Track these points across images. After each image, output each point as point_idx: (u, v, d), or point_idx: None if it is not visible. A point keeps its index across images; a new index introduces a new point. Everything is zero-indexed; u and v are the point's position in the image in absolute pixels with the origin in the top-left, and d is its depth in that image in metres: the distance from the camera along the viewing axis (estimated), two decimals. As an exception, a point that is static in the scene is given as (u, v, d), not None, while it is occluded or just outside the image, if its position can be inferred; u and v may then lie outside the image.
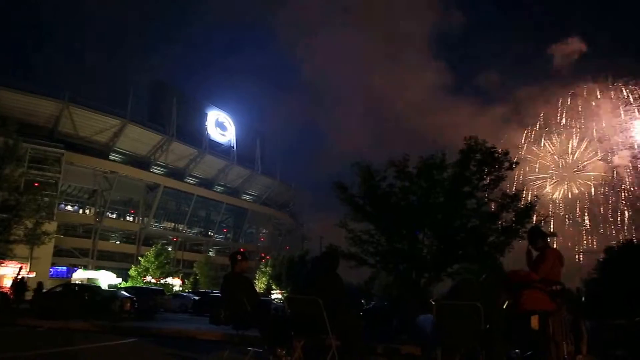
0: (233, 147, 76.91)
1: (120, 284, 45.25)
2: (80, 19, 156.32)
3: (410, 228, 17.01)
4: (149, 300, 22.01)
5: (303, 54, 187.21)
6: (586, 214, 74.94)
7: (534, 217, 17.81)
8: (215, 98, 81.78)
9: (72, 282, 37.42)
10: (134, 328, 12.03)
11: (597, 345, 7.92)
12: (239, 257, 6.20)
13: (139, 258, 51.18)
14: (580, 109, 74.82)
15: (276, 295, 51.31)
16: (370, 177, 17.32)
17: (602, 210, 72.77)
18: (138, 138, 62.09)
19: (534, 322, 4.98)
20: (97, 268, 51.51)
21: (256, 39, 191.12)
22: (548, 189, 76.38)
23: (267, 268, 57.56)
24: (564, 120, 77.27)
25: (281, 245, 78.33)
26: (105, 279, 44.97)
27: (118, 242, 63.31)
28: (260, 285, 54.96)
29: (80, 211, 60.24)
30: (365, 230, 17.78)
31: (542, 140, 77.64)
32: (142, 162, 63.46)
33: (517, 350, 5.86)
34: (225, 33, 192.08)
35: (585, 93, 75.11)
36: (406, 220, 16.74)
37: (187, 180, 70.34)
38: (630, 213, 70.00)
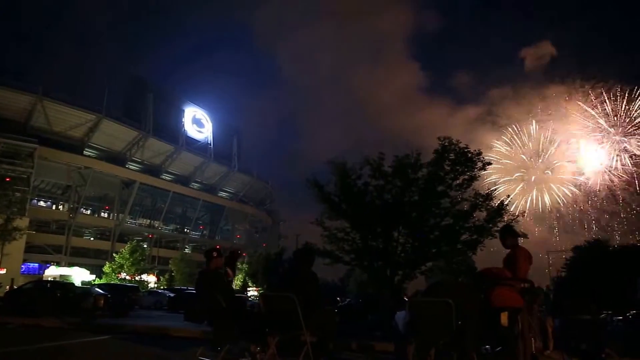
0: (210, 144, 76.39)
1: (94, 280, 44.54)
2: (56, 12, 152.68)
3: (385, 226, 17.24)
4: (123, 297, 21.76)
5: (281, 53, 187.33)
6: (556, 214, 76.68)
7: (505, 217, 18.22)
8: (193, 95, 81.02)
9: (45, 278, 36.64)
10: (108, 325, 11.94)
11: (563, 340, 8.25)
12: (215, 253, 6.24)
13: (114, 255, 50.50)
14: (550, 112, 76.51)
15: (252, 292, 51.25)
16: (345, 176, 17.48)
17: (570, 211, 74.60)
18: (113, 134, 61.18)
19: (504, 318, 5.00)
20: (71, 265, 50.44)
21: (234, 37, 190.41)
22: (518, 190, 77.99)
23: (244, 265, 57.40)
24: (534, 123, 78.85)
25: (258, 242, 78.14)
26: (79, 275, 44.07)
27: (92, 239, 62.24)
28: (236, 282, 54.76)
29: (54, 207, 59.08)
30: (341, 228, 17.95)
31: (513, 141, 79.10)
32: (117, 158, 62.56)
33: (487, 347, 6.02)
34: (204, 31, 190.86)
35: (555, 95, 76.87)
36: (381, 219, 16.95)
37: (164, 177, 69.63)
38: (603, 215, 71.90)
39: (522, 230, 17.51)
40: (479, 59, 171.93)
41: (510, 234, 5.99)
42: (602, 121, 70.91)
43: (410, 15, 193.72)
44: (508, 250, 5.83)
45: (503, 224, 17.54)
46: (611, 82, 70.11)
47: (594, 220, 72.26)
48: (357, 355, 8.47)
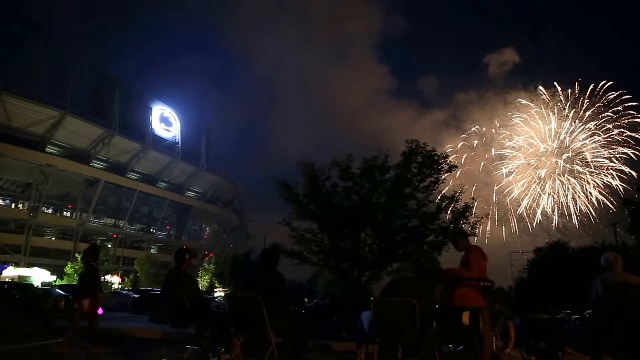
0: (178, 143, 75.30)
1: (55, 281, 43.28)
2: (20, 5, 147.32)
3: (353, 227, 17.37)
4: (85, 298, 21.20)
5: (251, 53, 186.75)
6: (515, 216, 78.58)
7: (471, 218, 18.61)
8: (161, 93, 79.56)
9: (2, 279, 35.34)
10: (67, 327, 11.61)
11: (523, 339, 8.48)
12: (187, 255, 6.18)
13: (76, 255, 49.07)
14: (512, 117, 78.46)
15: (219, 293, 50.74)
16: (314, 177, 17.55)
17: (529, 214, 76.65)
18: (78, 131, 59.44)
19: (465, 318, 5.11)
20: (30, 265, 48.85)
21: (204, 38, 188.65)
22: (480, 193, 79.66)
23: (210, 266, 56.82)
24: (495, 128, 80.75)
25: (225, 242, 77.46)
26: (39, 276, 42.80)
27: (53, 239, 60.47)
28: (203, 282, 54.13)
29: (13, 205, 57.37)
30: (309, 229, 17.99)
31: (475, 146, 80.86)
32: (81, 156, 60.79)
33: (450, 346, 6.11)
34: (174, 31, 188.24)
35: (515, 101, 78.88)
36: (349, 220, 17.07)
37: (129, 176, 68.12)
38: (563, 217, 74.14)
39: (487, 230, 17.99)
40: (445, 64, 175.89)
41: (461, 236, 6.03)
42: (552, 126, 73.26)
43: (379, 19, 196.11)
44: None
45: (467, 225, 18.00)
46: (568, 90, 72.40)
47: (557, 223, 74.51)
48: (316, 354, 8.45)
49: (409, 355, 5.05)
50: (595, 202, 69.61)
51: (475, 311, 5.15)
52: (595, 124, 69.80)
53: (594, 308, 5.34)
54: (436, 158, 17.69)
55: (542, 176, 74.30)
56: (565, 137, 72.65)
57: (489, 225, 67.80)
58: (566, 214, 72.73)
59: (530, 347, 7.99)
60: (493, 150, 77.93)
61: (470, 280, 5.34)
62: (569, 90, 71.42)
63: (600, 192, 68.89)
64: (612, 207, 62.75)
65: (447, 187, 19.75)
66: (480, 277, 5.44)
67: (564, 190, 72.61)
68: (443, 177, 17.99)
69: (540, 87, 73.70)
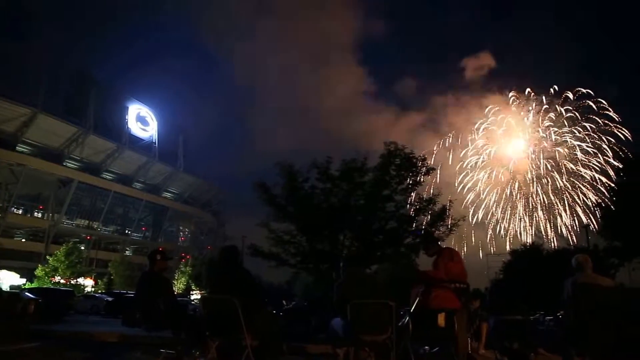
0: (155, 143, 74.43)
1: (24, 284, 42.15)
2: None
3: (332, 229, 17.36)
4: (56, 301, 20.77)
5: (230, 54, 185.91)
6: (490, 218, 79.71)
7: (448, 221, 18.75)
8: (138, 92, 78.35)
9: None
10: (38, 331, 11.31)
11: (497, 339, 8.58)
12: (159, 256, 6.08)
13: (47, 257, 47.93)
14: (488, 121, 79.61)
15: (196, 295, 50.22)
16: (292, 178, 17.47)
17: (505, 216, 77.85)
18: (51, 129, 58.14)
19: (441, 319, 5.16)
20: (-2, 268, 47.60)
21: (182, 37, 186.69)
22: (456, 195, 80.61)
23: (187, 268, 56.18)
24: (472, 132, 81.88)
25: (203, 244, 76.73)
26: (7, 279, 41.69)
27: (23, 240, 58.96)
28: (179, 285, 53.50)
29: (-20, 206, 55.44)
30: (287, 231, 17.90)
31: (450, 151, 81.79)
32: (54, 155, 59.52)
33: (426, 347, 6.15)
34: (152, 30, 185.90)
35: (492, 105, 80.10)
36: (327, 222, 17.05)
37: (104, 176, 66.99)
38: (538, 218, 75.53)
39: (448, 232, 18.21)
40: (424, 67, 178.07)
41: (430, 241, 6.07)
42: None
43: (358, 22, 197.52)
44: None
45: (445, 227, 18.16)
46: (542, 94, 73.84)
47: (529, 225, 75.85)
48: (290, 358, 8.40)
49: (384, 357, 5.06)
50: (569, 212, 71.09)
51: (451, 313, 5.20)
52: (569, 130, 71.42)
53: (564, 309, 5.43)
54: (414, 161, 17.80)
55: (516, 181, 75.68)
56: (537, 143, 74.21)
57: (466, 228, 68.75)
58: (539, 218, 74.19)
59: (504, 348, 8.10)
60: (469, 154, 78.98)
61: (443, 282, 5.38)
62: (543, 97, 72.93)
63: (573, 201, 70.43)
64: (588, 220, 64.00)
65: (426, 190, 19.92)
66: (456, 279, 5.46)
67: (536, 200, 74.05)
68: (421, 179, 18.11)
69: (512, 92, 75.05)
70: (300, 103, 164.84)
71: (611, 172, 61.19)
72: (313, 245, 17.71)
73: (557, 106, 71.60)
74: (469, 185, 77.34)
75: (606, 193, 55.77)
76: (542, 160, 73.07)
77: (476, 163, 77.77)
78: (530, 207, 74.66)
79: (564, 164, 71.39)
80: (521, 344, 8.07)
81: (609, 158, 64.79)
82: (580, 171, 69.62)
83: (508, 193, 76.10)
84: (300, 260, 18.38)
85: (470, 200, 76.62)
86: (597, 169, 67.40)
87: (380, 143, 17.92)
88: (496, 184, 76.98)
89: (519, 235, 74.22)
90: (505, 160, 76.53)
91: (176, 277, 54.76)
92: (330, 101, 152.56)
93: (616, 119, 67.34)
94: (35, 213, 61.29)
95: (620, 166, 41.28)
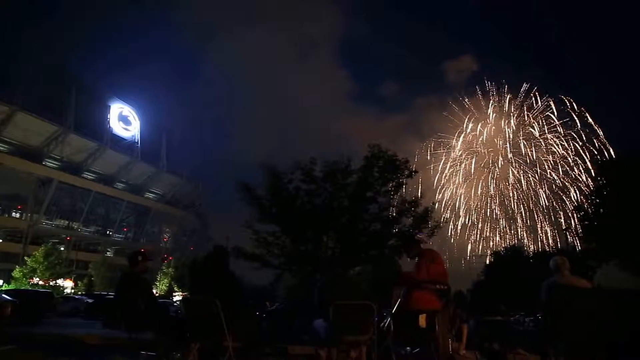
0: (137, 143, 73.55)
1: (1, 286, 41.36)
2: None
3: (315, 231, 17.37)
4: (34, 303, 20.38)
5: (213, 54, 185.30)
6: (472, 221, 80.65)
7: (430, 223, 18.89)
8: (120, 91, 77.35)
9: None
10: (15, 334, 11.11)
11: (477, 340, 8.68)
12: (140, 257, 6.02)
13: (25, 258, 47.00)
14: (470, 123, 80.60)
15: (178, 297, 49.74)
16: (276, 179, 17.45)
17: (486, 218, 78.89)
18: (29, 127, 57.02)
19: (422, 320, 5.20)
20: (-26, 269, 46.67)
21: (165, 36, 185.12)
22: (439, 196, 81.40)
23: (169, 269, 55.62)
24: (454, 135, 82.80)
25: (185, 246, 76.05)
26: (-17, 281, 40.93)
27: (0, 241, 57.63)
28: (161, 287, 52.92)
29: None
30: (271, 232, 17.87)
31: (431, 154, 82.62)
32: (33, 154, 58.32)
33: (407, 348, 6.19)
34: (135, 30, 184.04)
35: (473, 107, 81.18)
36: (311, 223, 17.07)
37: (85, 176, 66.01)
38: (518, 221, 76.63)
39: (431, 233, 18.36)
40: (405, 70, 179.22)
41: (410, 244, 6.08)
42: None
43: (340, 24, 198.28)
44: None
45: (428, 229, 18.30)
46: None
47: (510, 227, 76.89)
48: (273, 359, 8.39)
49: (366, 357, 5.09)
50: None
51: (432, 314, 5.25)
52: (539, 130, 72.50)
53: (542, 310, 5.52)
54: (397, 163, 17.91)
55: (495, 179, 76.56)
56: (512, 142, 75.17)
57: (450, 230, 69.38)
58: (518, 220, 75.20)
59: (484, 349, 8.19)
60: (452, 154, 79.79)
61: (424, 282, 5.42)
62: (518, 98, 74.02)
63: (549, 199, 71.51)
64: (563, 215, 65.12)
65: (409, 191, 20.05)
66: (437, 280, 5.48)
67: (516, 198, 75.08)
68: (404, 182, 18.22)
69: (492, 96, 76.06)
70: (283, 104, 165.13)
71: (583, 177, 62.46)
72: (297, 247, 17.72)
73: (531, 111, 72.74)
74: (451, 188, 78.16)
75: (584, 196, 56.75)
76: (521, 163, 74.15)
77: (457, 166, 78.65)
78: (510, 213, 75.74)
79: (544, 166, 72.56)
80: (501, 345, 8.17)
81: (587, 160, 66.14)
82: (560, 174, 70.85)
83: (489, 195, 77.06)
84: (284, 261, 18.36)
85: (451, 202, 77.42)
86: (576, 171, 68.69)
87: (361, 145, 18.08)
88: (477, 186, 77.89)
89: (498, 237, 75.21)
90: (485, 163, 77.54)
91: (158, 279, 54.16)
92: (313, 102, 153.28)
93: (592, 123, 68.82)
94: (13, 213, 59.99)
95: (594, 171, 42.11)
